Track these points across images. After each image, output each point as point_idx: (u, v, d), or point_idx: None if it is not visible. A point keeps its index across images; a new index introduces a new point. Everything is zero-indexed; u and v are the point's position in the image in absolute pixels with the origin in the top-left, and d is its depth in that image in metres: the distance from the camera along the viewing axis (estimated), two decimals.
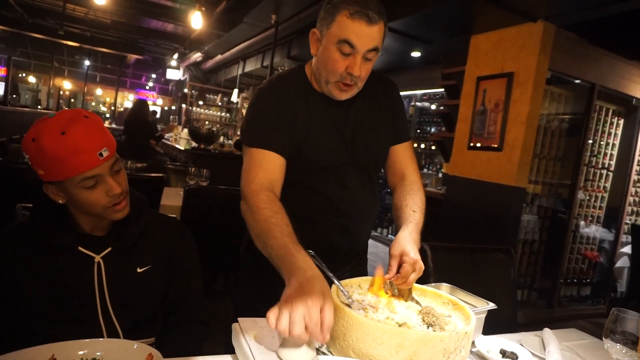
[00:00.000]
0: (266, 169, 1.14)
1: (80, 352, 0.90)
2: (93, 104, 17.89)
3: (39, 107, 12.50)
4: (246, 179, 1.13)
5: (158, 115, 14.39)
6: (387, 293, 1.06)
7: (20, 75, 15.90)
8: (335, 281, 1.02)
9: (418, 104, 6.76)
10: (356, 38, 1.10)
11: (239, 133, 8.24)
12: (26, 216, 1.42)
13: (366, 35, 1.11)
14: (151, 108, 6.99)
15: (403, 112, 1.41)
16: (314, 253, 1.08)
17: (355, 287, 1.10)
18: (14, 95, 13.53)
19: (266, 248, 0.98)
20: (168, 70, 13.94)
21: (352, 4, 1.10)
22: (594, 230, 4.48)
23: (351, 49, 1.12)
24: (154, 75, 17.47)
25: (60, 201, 1.03)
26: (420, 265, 1.05)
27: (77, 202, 1.02)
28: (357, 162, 1.27)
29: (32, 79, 16.36)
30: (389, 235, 6.35)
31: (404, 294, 1.08)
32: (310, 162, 1.23)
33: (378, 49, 1.15)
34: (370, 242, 1.53)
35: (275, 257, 0.95)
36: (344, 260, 1.32)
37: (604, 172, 4.46)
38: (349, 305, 0.99)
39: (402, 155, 1.37)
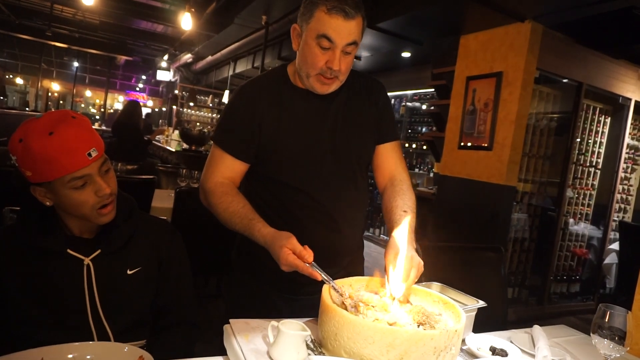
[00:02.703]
0: (223, 170, 1.27)
1: (70, 356, 0.89)
2: (82, 105, 17.72)
3: (27, 109, 12.36)
4: (205, 174, 1.29)
5: (150, 113, 14.26)
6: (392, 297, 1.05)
7: (7, 76, 15.69)
8: (328, 280, 1.02)
9: (409, 104, 6.79)
10: (334, 33, 1.13)
11: None
12: (13, 219, 1.40)
13: (344, 29, 1.14)
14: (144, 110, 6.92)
15: (391, 112, 1.41)
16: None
17: (347, 286, 1.10)
18: (1, 97, 13.37)
19: (235, 229, 1.20)
20: (158, 71, 13.86)
21: None
22: (583, 228, 4.54)
23: (330, 44, 1.15)
24: (144, 77, 17.34)
25: (48, 203, 1.02)
26: (417, 260, 1.07)
27: (65, 203, 1.01)
28: (337, 155, 1.28)
29: (19, 81, 16.16)
30: (381, 235, 6.38)
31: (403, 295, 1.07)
32: (283, 158, 1.25)
33: (357, 43, 1.18)
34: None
35: (245, 235, 1.18)
36: (335, 257, 1.31)
37: (592, 170, 4.52)
38: (342, 304, 0.99)
39: (390, 155, 1.38)
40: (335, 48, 1.15)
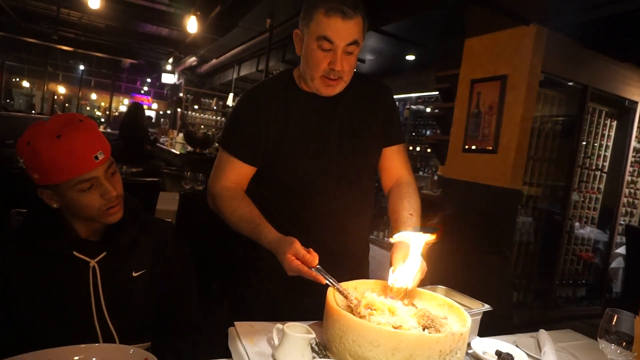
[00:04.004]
0: (230, 174, 1.28)
1: (76, 358, 0.90)
2: (88, 108, 17.81)
3: (33, 112, 12.45)
4: (212, 178, 1.30)
5: (153, 120, 14.34)
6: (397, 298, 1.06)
7: (13, 80, 15.81)
8: (333, 283, 1.02)
9: (413, 106, 6.78)
10: (333, 34, 1.14)
11: None
12: (20, 221, 1.41)
13: (343, 30, 1.14)
14: (146, 113, 6.95)
15: (397, 115, 1.42)
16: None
17: (352, 289, 1.10)
18: (8, 100, 13.48)
19: (243, 233, 1.22)
20: (163, 74, 13.91)
21: (327, 1, 1.14)
22: (589, 232, 4.50)
23: (330, 45, 1.16)
24: (149, 80, 17.41)
25: (55, 205, 1.03)
26: (423, 265, 1.07)
27: (72, 206, 1.02)
28: (343, 158, 1.28)
29: (25, 84, 16.27)
30: (386, 239, 6.36)
31: (403, 296, 1.07)
32: (290, 162, 1.25)
33: (358, 43, 1.18)
34: None
35: (253, 239, 1.19)
36: (340, 260, 1.31)
37: (598, 173, 4.49)
38: (348, 307, 0.99)
39: (396, 158, 1.38)
40: (336, 49, 1.16)
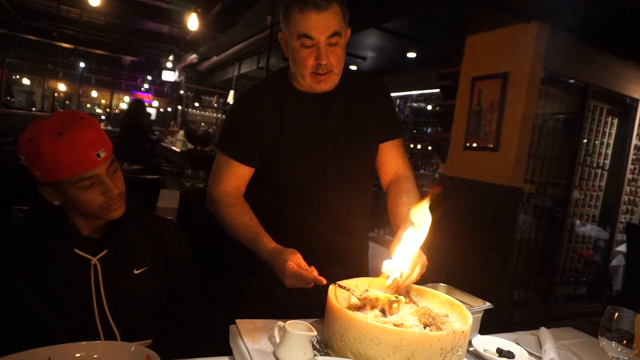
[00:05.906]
0: (229, 177, 1.28)
1: (78, 355, 0.90)
2: (88, 105, 17.81)
3: (34, 109, 12.46)
4: (212, 182, 1.30)
5: (153, 117, 14.34)
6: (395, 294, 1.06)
7: (14, 77, 15.80)
8: (335, 282, 1.02)
9: (414, 104, 6.77)
10: (311, 29, 1.14)
11: None
12: (22, 219, 1.41)
13: (320, 23, 1.14)
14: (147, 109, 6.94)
15: (393, 110, 1.41)
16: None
17: (352, 287, 1.10)
18: (8, 97, 13.48)
19: (239, 240, 1.22)
20: (163, 71, 13.89)
21: None
22: (590, 229, 4.50)
23: (311, 41, 1.15)
24: (149, 77, 17.40)
25: (56, 203, 1.03)
26: (423, 259, 1.07)
27: (73, 203, 1.02)
28: (340, 156, 1.28)
29: (26, 81, 16.26)
30: (386, 236, 6.36)
31: (403, 293, 1.08)
32: (287, 161, 1.25)
33: (339, 33, 1.17)
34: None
35: (249, 247, 1.20)
36: (341, 258, 1.31)
37: (599, 171, 4.48)
38: (349, 304, 0.99)
39: (394, 153, 1.38)
40: (318, 43, 1.16)
